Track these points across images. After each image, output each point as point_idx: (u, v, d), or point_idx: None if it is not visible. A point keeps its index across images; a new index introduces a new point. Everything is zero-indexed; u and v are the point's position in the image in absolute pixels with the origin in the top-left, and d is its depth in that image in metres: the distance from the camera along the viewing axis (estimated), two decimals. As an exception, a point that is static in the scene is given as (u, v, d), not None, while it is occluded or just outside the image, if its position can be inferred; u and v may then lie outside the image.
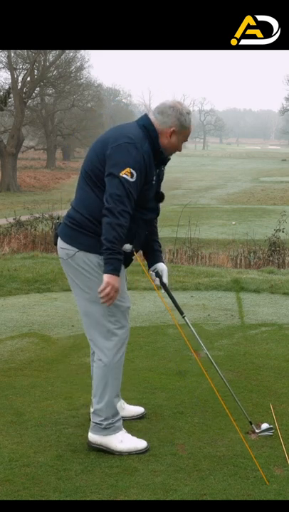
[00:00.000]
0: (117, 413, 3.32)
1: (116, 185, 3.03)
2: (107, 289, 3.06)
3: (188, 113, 3.23)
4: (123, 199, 3.03)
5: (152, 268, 3.48)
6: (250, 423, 3.47)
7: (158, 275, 3.45)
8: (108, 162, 3.08)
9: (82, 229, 3.19)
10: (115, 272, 3.06)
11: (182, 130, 3.22)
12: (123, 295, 3.27)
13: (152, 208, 3.33)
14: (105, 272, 3.06)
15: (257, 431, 3.45)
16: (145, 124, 3.19)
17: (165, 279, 3.45)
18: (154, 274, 3.45)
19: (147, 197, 3.23)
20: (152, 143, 3.16)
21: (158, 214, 3.44)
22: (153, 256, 3.51)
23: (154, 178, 3.24)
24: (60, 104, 53.29)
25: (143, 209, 3.23)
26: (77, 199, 3.28)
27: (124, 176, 3.03)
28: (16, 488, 2.89)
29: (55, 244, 3.36)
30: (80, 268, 3.22)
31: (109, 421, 3.28)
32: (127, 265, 3.34)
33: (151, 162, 3.15)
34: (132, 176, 3.04)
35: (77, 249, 3.20)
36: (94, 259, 3.18)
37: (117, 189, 3.03)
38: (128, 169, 3.04)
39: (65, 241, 3.26)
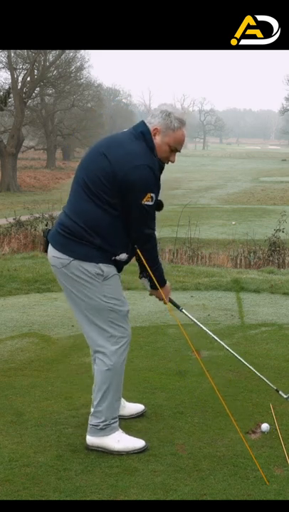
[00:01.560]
0: (115, 415, 3.32)
1: (140, 214, 3.12)
2: (166, 298, 3.45)
3: (179, 119, 3.15)
4: (149, 223, 3.18)
5: (145, 274, 3.41)
6: (277, 391, 3.64)
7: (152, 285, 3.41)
8: (126, 187, 3.06)
9: (75, 237, 3.14)
10: (165, 282, 3.42)
11: (167, 132, 3.15)
12: (121, 299, 3.27)
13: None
14: (162, 286, 3.38)
15: (285, 396, 3.67)
16: (143, 131, 3.16)
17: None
18: (146, 281, 3.42)
19: None
20: (156, 160, 3.16)
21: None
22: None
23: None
24: (60, 104, 53.26)
25: None
26: (71, 205, 3.22)
27: (146, 203, 3.09)
28: (16, 488, 2.89)
29: (45, 251, 3.31)
30: (75, 277, 3.18)
31: (106, 422, 3.28)
32: (120, 270, 3.34)
33: (158, 174, 3.17)
34: (152, 200, 3.10)
35: (71, 258, 3.15)
36: (90, 268, 3.15)
37: (142, 217, 3.13)
38: (148, 195, 3.08)
39: (57, 249, 3.20)
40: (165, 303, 3.48)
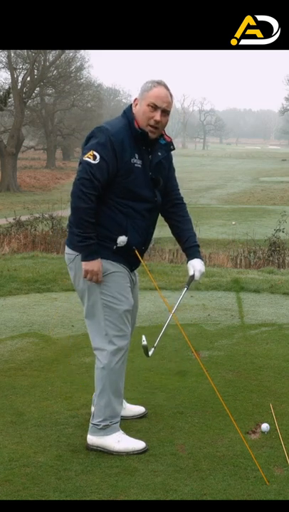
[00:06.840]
0: (115, 415, 3.30)
1: (80, 169, 3.11)
2: (88, 276, 3.15)
3: (154, 80, 3.21)
4: (84, 182, 3.08)
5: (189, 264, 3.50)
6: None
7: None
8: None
9: None
10: (90, 257, 3.12)
11: (143, 94, 3.19)
12: (119, 297, 3.24)
13: (146, 198, 3.23)
14: (81, 260, 3.14)
15: None
16: (125, 109, 3.28)
17: (197, 274, 3.43)
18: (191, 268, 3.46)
19: (135, 185, 3.17)
20: (130, 127, 3.18)
21: (158, 204, 3.32)
22: (188, 251, 3.55)
23: (139, 163, 3.17)
24: (60, 104, 53.25)
25: (132, 199, 3.18)
26: None
27: (87, 159, 3.09)
28: (16, 488, 2.89)
29: None
30: (79, 271, 3.22)
31: (107, 422, 3.27)
32: (133, 268, 3.35)
33: (124, 145, 3.12)
34: (94, 158, 3.08)
35: (76, 253, 3.22)
36: None
37: (80, 173, 3.10)
38: (91, 152, 3.09)
39: (67, 246, 3.30)
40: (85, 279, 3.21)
